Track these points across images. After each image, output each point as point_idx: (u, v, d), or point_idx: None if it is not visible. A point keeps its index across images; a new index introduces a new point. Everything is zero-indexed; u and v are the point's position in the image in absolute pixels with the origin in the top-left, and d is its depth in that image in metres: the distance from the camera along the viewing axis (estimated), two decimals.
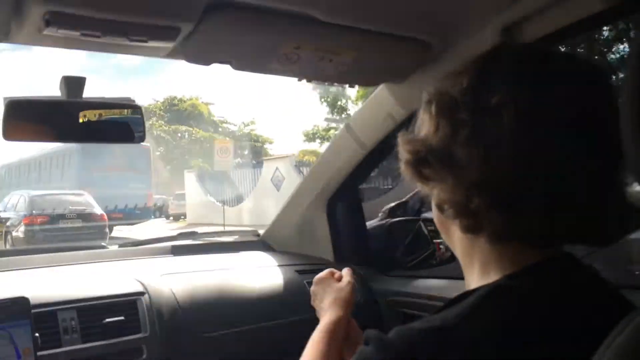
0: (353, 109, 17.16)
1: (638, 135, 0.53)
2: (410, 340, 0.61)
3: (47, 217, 11.46)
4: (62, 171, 16.69)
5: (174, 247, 1.91)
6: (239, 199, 18.15)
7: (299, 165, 15.88)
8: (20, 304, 1.21)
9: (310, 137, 22.36)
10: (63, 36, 0.99)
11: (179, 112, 30.76)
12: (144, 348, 1.36)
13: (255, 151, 27.66)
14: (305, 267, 1.79)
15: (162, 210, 24.83)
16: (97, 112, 1.35)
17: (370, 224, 2.04)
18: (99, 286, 1.43)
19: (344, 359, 1.04)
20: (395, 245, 1.95)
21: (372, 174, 1.90)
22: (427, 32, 1.27)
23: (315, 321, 1.09)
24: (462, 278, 0.75)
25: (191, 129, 29.91)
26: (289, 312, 1.59)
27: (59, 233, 10.87)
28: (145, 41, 1.04)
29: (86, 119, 1.33)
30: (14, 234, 11.20)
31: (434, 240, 1.84)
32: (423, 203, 1.94)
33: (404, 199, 2.08)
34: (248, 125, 30.79)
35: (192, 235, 2.12)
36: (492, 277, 0.66)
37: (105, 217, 12.25)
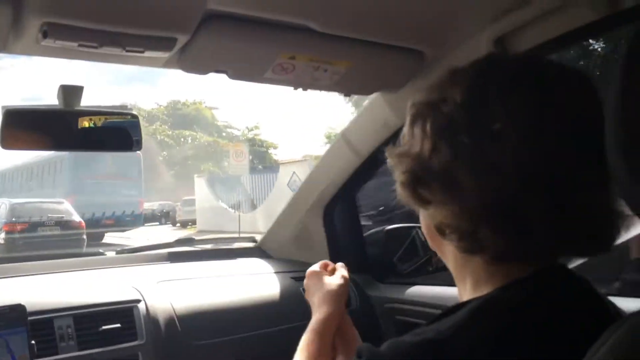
0: None
1: (623, 143, 0.54)
2: (403, 354, 0.61)
3: (27, 225, 11.70)
4: (54, 178, 16.76)
5: (170, 253, 1.92)
6: (252, 205, 17.79)
7: None
8: (16, 311, 1.22)
9: (332, 139, 22.29)
10: (60, 47, 1.00)
11: (183, 116, 30.56)
12: (140, 355, 1.37)
13: (260, 156, 27.55)
14: (302, 274, 1.78)
15: (168, 216, 24.60)
16: (94, 120, 1.36)
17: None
18: (95, 293, 1.44)
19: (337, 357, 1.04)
20: (391, 253, 1.95)
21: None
22: (421, 42, 1.28)
23: None
24: None
25: (195, 133, 29.70)
26: (285, 319, 1.60)
27: (38, 240, 11.06)
28: (142, 52, 1.05)
29: (84, 127, 1.34)
30: None
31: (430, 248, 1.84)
32: None
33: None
34: (252, 130, 30.47)
35: (189, 242, 2.13)
36: (484, 289, 0.66)
37: (84, 224, 12.45)
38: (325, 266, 1.15)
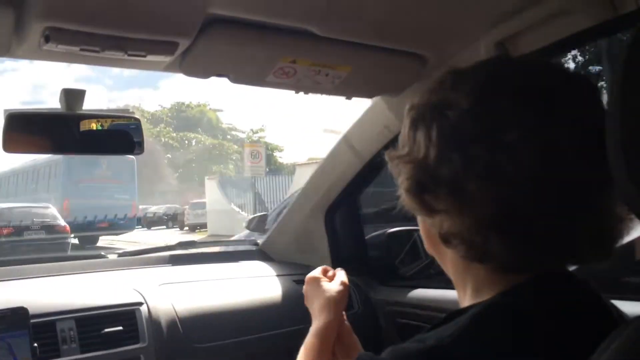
0: None
1: (623, 146, 0.54)
2: None
3: (13, 229, 12.04)
4: (49, 182, 16.99)
5: (172, 256, 1.92)
6: (265, 208, 17.25)
7: None
8: (19, 314, 1.22)
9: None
10: (62, 51, 1.01)
11: (187, 118, 30.39)
12: (142, 358, 1.37)
13: (265, 159, 27.50)
14: (304, 277, 1.79)
15: (175, 219, 24.40)
16: (96, 123, 1.37)
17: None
18: (97, 296, 1.44)
19: None
20: (393, 255, 1.96)
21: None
22: (422, 46, 1.29)
23: None
24: None
25: (200, 136, 29.50)
26: (287, 322, 1.60)
27: (24, 243, 11.38)
28: (144, 56, 1.05)
29: (86, 131, 1.35)
30: None
31: None
32: None
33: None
34: (257, 132, 30.22)
35: (190, 244, 2.13)
36: (485, 295, 0.66)
37: (68, 228, 12.72)
38: (324, 272, 1.14)
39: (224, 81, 1.26)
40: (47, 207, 12.94)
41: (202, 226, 20.43)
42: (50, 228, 12.17)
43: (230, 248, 2.30)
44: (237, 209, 18.08)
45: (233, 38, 1.12)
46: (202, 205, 20.60)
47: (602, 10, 1.03)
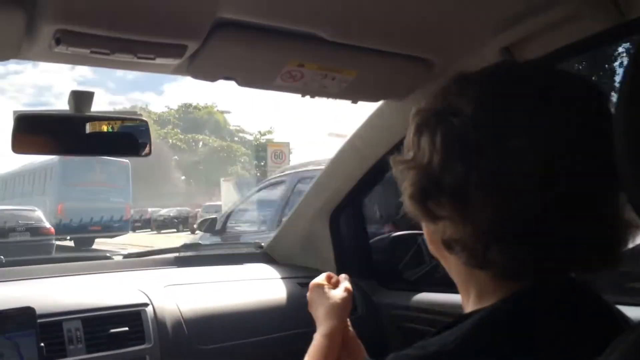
0: None
1: (630, 151, 0.54)
2: None
3: None
4: (44, 185, 17.21)
5: (177, 258, 1.93)
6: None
7: None
8: (26, 314, 1.23)
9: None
10: (73, 53, 1.02)
11: (194, 120, 30.11)
12: (147, 358, 1.38)
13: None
14: (308, 280, 1.79)
15: (187, 222, 24.23)
16: (105, 125, 1.38)
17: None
18: (104, 297, 1.45)
19: None
20: (397, 259, 1.96)
21: None
22: (429, 50, 1.29)
23: None
24: None
25: (207, 137, 29.23)
26: (291, 324, 1.60)
27: (10, 244, 11.60)
28: (153, 59, 1.06)
29: (93, 132, 1.36)
30: None
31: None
32: None
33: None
34: (265, 134, 29.99)
35: (196, 246, 2.14)
36: (489, 301, 0.65)
37: (53, 231, 12.94)
38: (328, 278, 1.15)
39: (230, 84, 1.27)
40: (33, 210, 13.25)
41: None
42: (35, 230, 12.44)
43: (235, 250, 2.31)
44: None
45: (241, 41, 1.13)
46: (216, 208, 20.53)
47: (608, 16, 1.03)
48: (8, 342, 1.19)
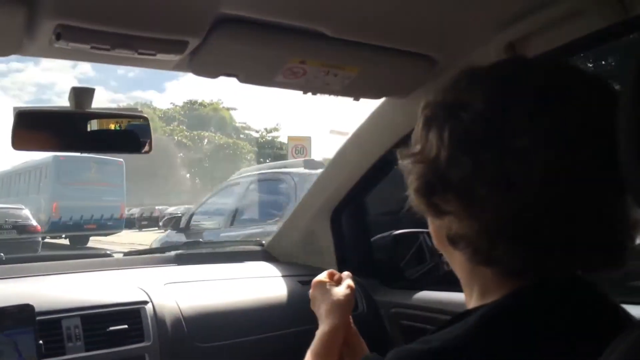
0: None
1: (633, 147, 0.54)
2: None
3: None
4: (39, 184, 17.42)
5: (177, 256, 1.93)
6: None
7: None
8: (25, 311, 1.22)
9: None
10: (73, 49, 1.01)
11: (200, 117, 29.72)
12: (146, 356, 1.37)
13: (279, 159, 26.94)
14: (309, 278, 1.78)
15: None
16: (105, 122, 1.37)
17: None
18: (103, 294, 1.44)
19: None
20: (399, 257, 1.95)
21: None
22: (431, 47, 1.28)
23: None
24: None
25: (213, 134, 28.85)
26: (292, 322, 1.60)
27: None
28: (154, 54, 1.06)
29: (94, 129, 1.35)
30: None
31: (438, 253, 1.83)
32: None
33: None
34: (271, 131, 29.57)
35: (196, 244, 2.14)
36: (492, 297, 0.65)
37: (39, 228, 13.24)
38: (331, 276, 1.14)
39: (233, 81, 1.26)
40: (21, 209, 13.49)
41: None
42: (22, 228, 12.71)
43: (236, 248, 2.30)
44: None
45: (243, 38, 1.12)
46: None
47: (612, 12, 1.02)
48: (6, 339, 1.19)
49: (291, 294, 1.71)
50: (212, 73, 1.23)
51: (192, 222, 6.72)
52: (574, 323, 0.62)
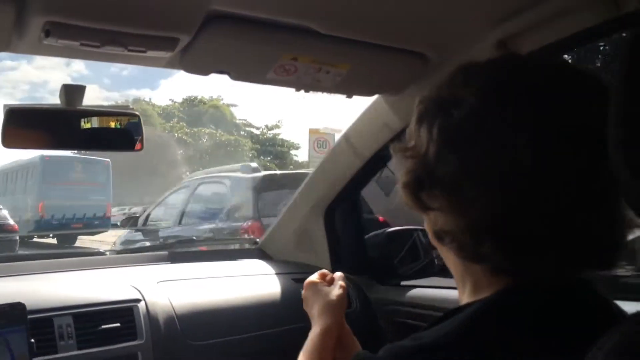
0: None
1: (625, 146, 0.53)
2: (401, 359, 0.61)
3: None
4: (26, 184, 17.51)
5: (171, 254, 1.92)
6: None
7: None
8: (16, 309, 1.22)
9: None
10: (63, 46, 1.00)
11: (200, 113, 29.15)
12: (139, 355, 1.36)
13: (281, 157, 26.67)
14: (303, 276, 1.77)
15: None
16: (96, 120, 1.36)
17: None
18: (95, 293, 1.44)
19: None
20: (393, 255, 1.95)
21: None
22: (424, 44, 1.28)
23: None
24: None
25: (214, 131, 28.30)
26: (285, 320, 1.59)
27: None
28: (144, 51, 1.05)
29: (85, 127, 1.35)
30: None
31: (431, 250, 1.84)
32: None
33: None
34: (272, 129, 28.93)
35: (189, 242, 2.13)
36: (483, 293, 0.65)
37: (17, 227, 13.36)
38: (323, 276, 1.14)
39: (227, 77, 1.25)
40: None
41: None
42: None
43: (229, 246, 2.30)
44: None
45: (234, 34, 1.12)
46: None
47: (605, 9, 1.02)
48: None
49: (285, 292, 1.71)
50: (203, 70, 1.22)
51: (149, 222, 7.29)
52: (565, 321, 0.62)
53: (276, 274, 1.81)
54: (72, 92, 1.29)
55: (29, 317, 1.22)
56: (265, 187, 6.36)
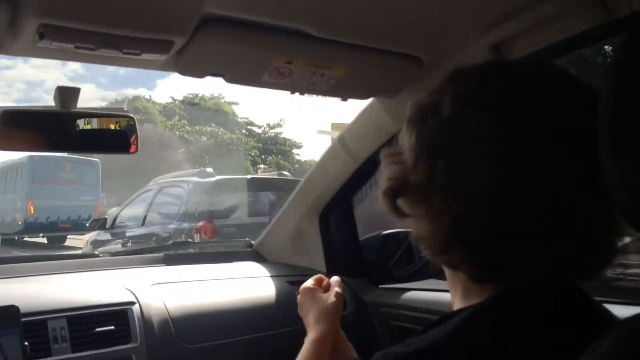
0: None
1: (615, 153, 0.53)
2: None
3: None
4: (15, 184, 17.49)
5: (166, 256, 1.92)
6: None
7: None
8: (10, 312, 1.21)
9: None
10: (57, 48, 1.00)
11: (201, 111, 28.69)
12: (133, 358, 1.36)
13: (283, 156, 26.51)
14: (297, 278, 1.79)
15: None
16: (91, 122, 1.36)
17: None
18: (89, 295, 1.44)
19: None
20: (387, 257, 1.95)
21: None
22: (418, 48, 1.29)
23: (306, 333, 1.09)
24: None
25: (216, 129, 27.90)
26: (280, 323, 1.59)
27: None
28: (139, 54, 1.05)
29: (80, 129, 1.34)
30: None
31: None
32: None
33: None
34: (274, 127, 28.34)
35: (184, 244, 2.13)
36: (475, 299, 0.65)
37: None
38: (319, 281, 1.14)
39: (219, 80, 1.26)
40: None
41: None
42: None
43: (225, 249, 2.30)
44: None
45: (229, 37, 1.12)
46: None
47: (596, 15, 1.03)
48: None
49: (280, 295, 1.71)
50: (198, 73, 1.23)
51: (117, 223, 7.76)
52: (559, 325, 0.62)
53: (271, 276, 1.81)
54: (67, 94, 1.29)
55: (23, 319, 1.22)
56: (218, 191, 7.22)
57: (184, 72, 1.20)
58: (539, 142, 0.60)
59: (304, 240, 1.97)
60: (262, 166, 21.72)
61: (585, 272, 0.65)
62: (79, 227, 16.92)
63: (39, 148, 1.43)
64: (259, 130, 28.72)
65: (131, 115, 1.42)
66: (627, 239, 0.67)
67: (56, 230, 15.99)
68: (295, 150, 28.10)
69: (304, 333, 1.09)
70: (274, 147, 27.19)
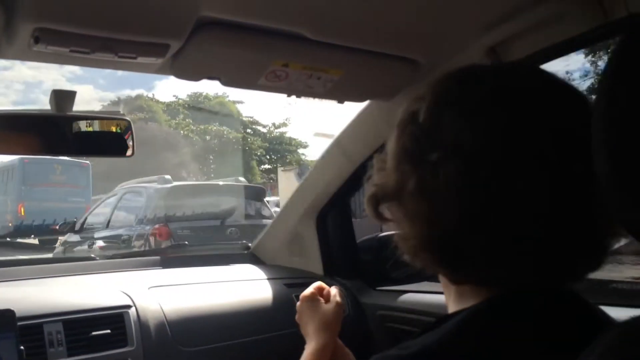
0: None
1: (610, 155, 0.53)
2: None
3: None
4: (6, 186, 17.49)
5: (162, 259, 1.91)
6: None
7: None
8: (6, 316, 1.21)
9: None
10: (52, 52, 1.00)
11: (205, 110, 28.29)
12: None
13: (289, 155, 26.36)
14: (295, 281, 1.79)
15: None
16: (87, 125, 1.36)
17: None
18: (85, 299, 1.43)
19: None
20: (385, 259, 1.95)
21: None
22: (414, 50, 1.29)
23: (303, 336, 1.08)
24: None
25: (222, 128, 27.58)
26: (277, 325, 1.59)
27: None
28: (135, 58, 1.05)
29: (76, 132, 1.34)
30: None
31: None
32: None
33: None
34: (279, 127, 28.21)
35: (181, 247, 2.12)
36: (469, 302, 0.65)
37: None
38: (320, 290, 1.13)
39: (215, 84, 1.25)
40: None
41: None
42: None
43: (222, 251, 2.29)
44: None
45: (225, 41, 1.11)
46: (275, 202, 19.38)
47: (593, 17, 1.03)
48: None
49: (277, 297, 1.70)
50: (194, 76, 1.22)
51: (86, 226, 8.21)
52: (555, 328, 0.62)
53: (268, 279, 1.81)
54: (63, 97, 1.28)
55: (19, 323, 1.21)
56: (174, 196, 7.86)
57: (180, 75, 1.20)
58: (505, 147, 0.59)
59: (301, 243, 1.97)
60: (280, 167, 21.42)
61: (575, 275, 0.65)
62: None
63: (35, 151, 1.42)
64: (264, 130, 28.48)
65: (127, 118, 1.42)
66: (621, 242, 0.66)
67: (47, 232, 16.04)
68: (301, 150, 28.01)
69: (301, 336, 1.09)
70: (279, 147, 27.04)
